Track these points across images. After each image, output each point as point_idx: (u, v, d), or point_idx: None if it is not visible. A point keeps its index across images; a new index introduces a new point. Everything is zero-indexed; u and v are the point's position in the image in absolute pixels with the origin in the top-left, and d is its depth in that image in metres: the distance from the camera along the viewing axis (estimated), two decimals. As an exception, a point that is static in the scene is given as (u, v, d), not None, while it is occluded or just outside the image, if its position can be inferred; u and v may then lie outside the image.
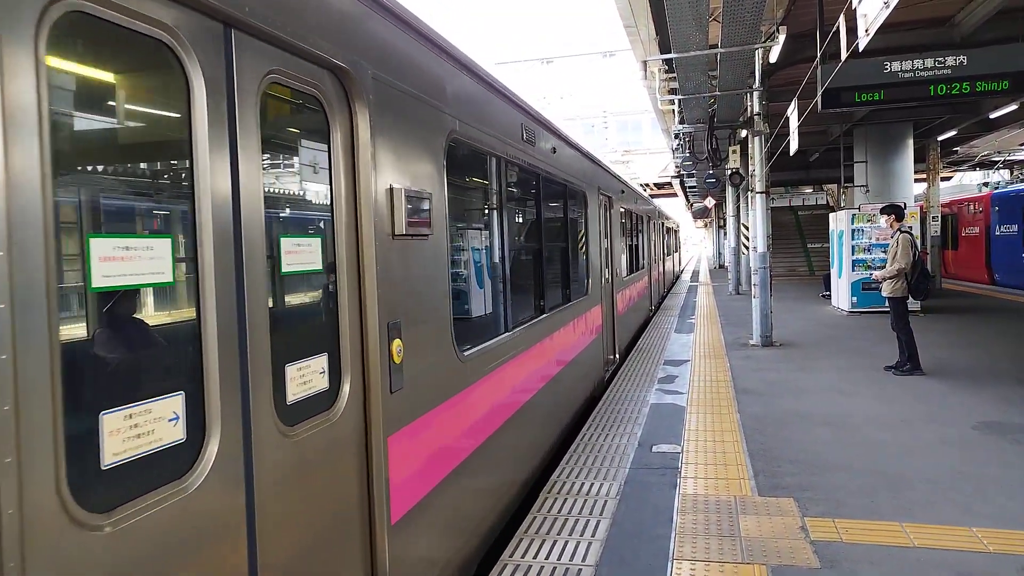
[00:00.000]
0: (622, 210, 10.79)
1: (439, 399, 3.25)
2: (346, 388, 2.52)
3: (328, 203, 2.51)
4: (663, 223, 21.76)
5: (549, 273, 6.09)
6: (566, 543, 3.91)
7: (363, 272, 2.62)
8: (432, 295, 3.19)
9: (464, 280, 4.52)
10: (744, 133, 14.87)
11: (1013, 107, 14.54)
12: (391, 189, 2.79)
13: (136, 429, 1.55)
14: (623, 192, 10.90)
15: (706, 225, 59.92)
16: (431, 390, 3.16)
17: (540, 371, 5.34)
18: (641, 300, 13.78)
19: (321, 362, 2.39)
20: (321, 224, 2.53)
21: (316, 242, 2.44)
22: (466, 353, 3.64)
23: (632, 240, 12.61)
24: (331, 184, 2.51)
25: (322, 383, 2.39)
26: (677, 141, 19.01)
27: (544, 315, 5.56)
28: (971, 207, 21.51)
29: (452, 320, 3.42)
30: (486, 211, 5.00)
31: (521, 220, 6.01)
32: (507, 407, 4.40)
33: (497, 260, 4.70)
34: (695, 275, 32.23)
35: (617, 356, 9.63)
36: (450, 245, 3.50)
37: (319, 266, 2.43)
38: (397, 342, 2.76)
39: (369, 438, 2.63)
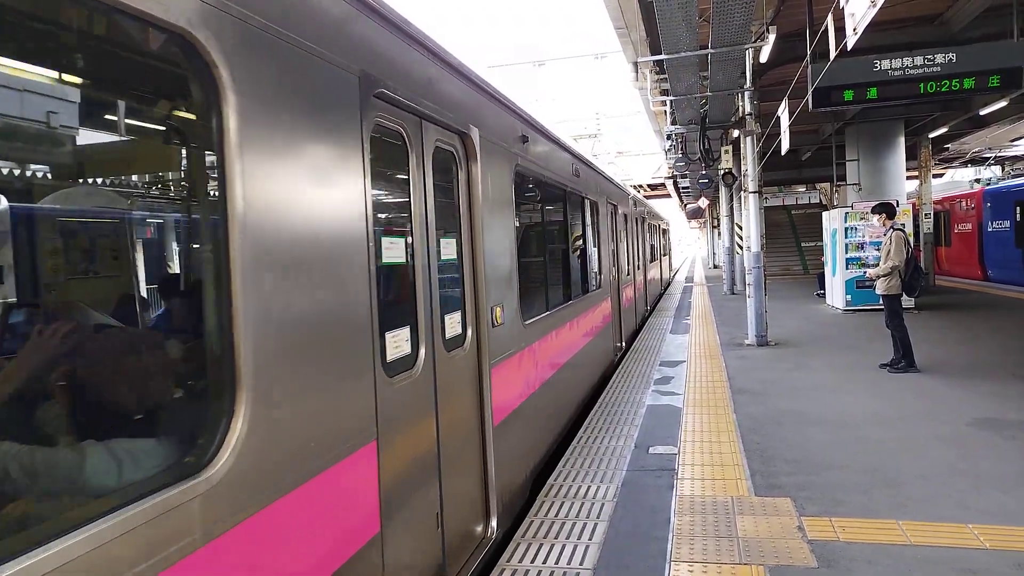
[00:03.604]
0: (537, 181, 5.78)
1: None
2: None
3: None
4: (643, 218, 15.81)
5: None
6: (563, 547, 3.89)
7: None
8: None
9: None
10: (736, 133, 14.90)
11: (1003, 103, 14.63)
12: None
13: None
14: (525, 140, 5.20)
15: (700, 225, 60.14)
16: None
17: None
18: (593, 346, 8.21)
19: None
20: None
21: None
22: None
23: (576, 243, 7.92)
24: None
25: None
26: (669, 142, 19.07)
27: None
28: (963, 204, 21.60)
29: None
30: None
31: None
32: None
33: None
34: (690, 276, 32.30)
35: (494, 530, 4.04)
36: None
37: None
38: None
39: None
